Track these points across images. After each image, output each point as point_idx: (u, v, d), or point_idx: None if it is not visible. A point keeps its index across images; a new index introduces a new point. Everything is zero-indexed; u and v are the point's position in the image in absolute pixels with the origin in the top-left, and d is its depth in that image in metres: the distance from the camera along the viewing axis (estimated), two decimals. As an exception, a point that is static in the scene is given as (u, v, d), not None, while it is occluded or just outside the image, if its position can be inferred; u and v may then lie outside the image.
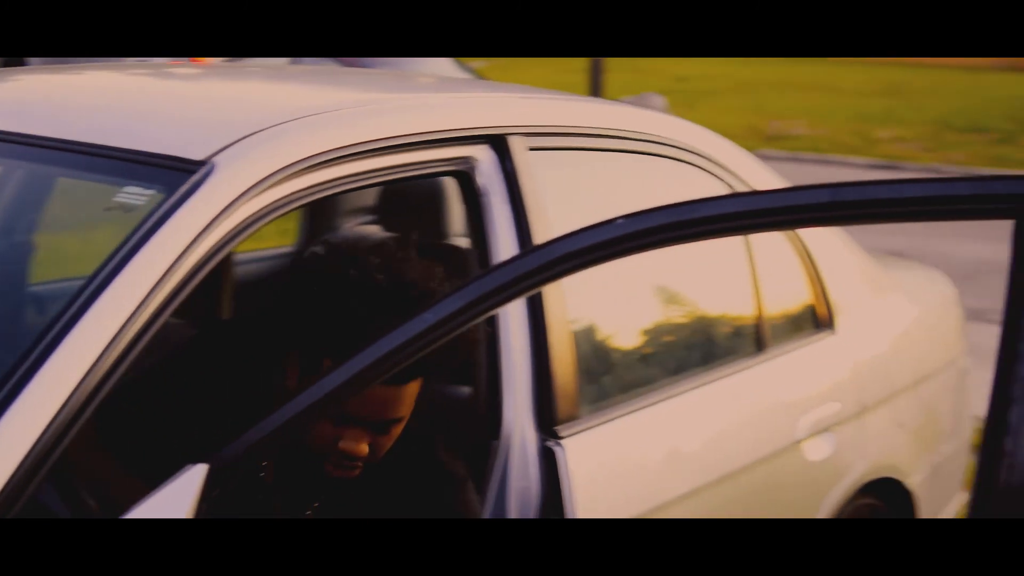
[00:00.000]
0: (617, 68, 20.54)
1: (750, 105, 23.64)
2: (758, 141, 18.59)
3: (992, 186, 1.88)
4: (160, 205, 2.26)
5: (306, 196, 2.43)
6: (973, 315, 7.04)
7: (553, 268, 1.93)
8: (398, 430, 2.46)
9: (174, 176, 2.32)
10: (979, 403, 5.25)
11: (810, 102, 24.53)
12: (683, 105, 20.83)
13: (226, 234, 2.28)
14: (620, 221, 1.93)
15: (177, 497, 1.94)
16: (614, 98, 13.36)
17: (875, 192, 1.88)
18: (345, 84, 3.32)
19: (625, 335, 3.11)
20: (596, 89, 11.60)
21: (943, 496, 4.12)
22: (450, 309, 1.92)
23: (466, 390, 3.01)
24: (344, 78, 3.54)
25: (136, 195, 2.34)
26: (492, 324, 2.73)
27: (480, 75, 18.69)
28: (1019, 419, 1.75)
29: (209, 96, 2.96)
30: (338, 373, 1.92)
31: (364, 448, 2.43)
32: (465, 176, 2.78)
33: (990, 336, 8.27)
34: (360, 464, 2.45)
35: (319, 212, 4.15)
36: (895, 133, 20.73)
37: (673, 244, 1.95)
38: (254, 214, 2.33)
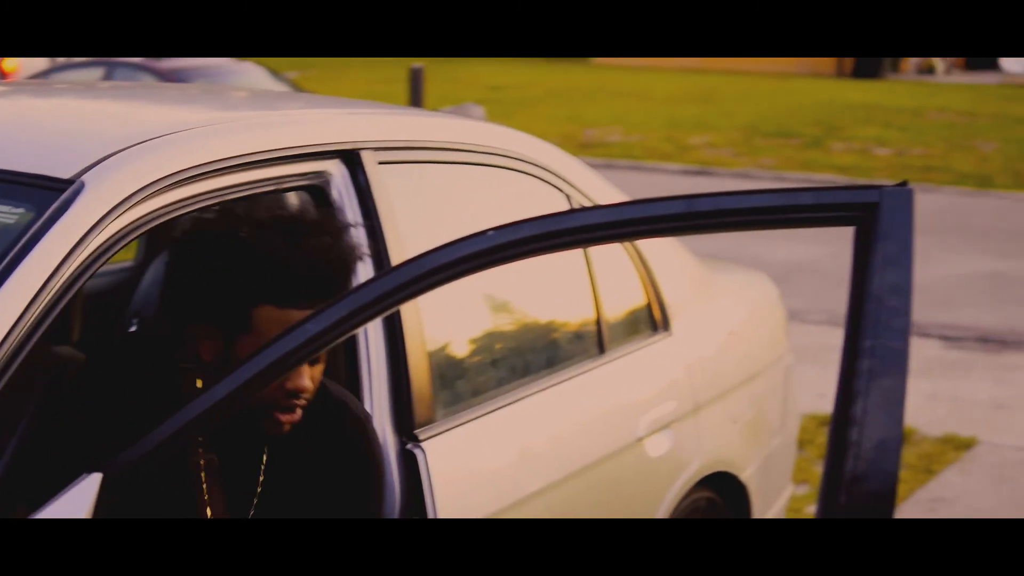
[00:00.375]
0: (432, 78, 20.72)
1: (564, 113, 23.97)
2: (573, 148, 18.87)
3: (834, 195, 2.04)
4: (31, 224, 2.31)
5: (170, 212, 2.50)
6: (789, 316, 7.30)
7: (429, 278, 2.04)
8: (324, 358, 2.55)
9: (43, 195, 2.38)
10: (800, 399, 5.48)
11: (623, 109, 24.95)
12: (499, 114, 21.05)
13: (95, 250, 2.35)
14: (491, 232, 2.04)
15: (72, 506, 2.00)
16: (433, 108, 13.47)
17: (727, 202, 2.02)
18: (199, 101, 3.38)
19: (476, 341, 3.22)
20: (416, 98, 11.71)
21: (774, 488, 4.31)
22: (332, 319, 2.02)
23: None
24: (196, 95, 3.60)
25: (5, 214, 2.39)
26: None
27: (296, 85, 18.68)
28: (862, 412, 1.91)
29: (63, 114, 2.99)
30: (228, 382, 2.01)
31: (309, 382, 2.50)
32: (320, 190, 2.87)
33: (805, 335, 8.59)
34: (303, 403, 2.52)
35: (159, 227, 4.18)
36: (707, 139, 21.20)
37: (541, 254, 2.06)
38: (121, 230, 2.40)
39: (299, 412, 2.53)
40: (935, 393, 8.24)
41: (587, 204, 3.56)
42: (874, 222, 2.01)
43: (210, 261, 2.48)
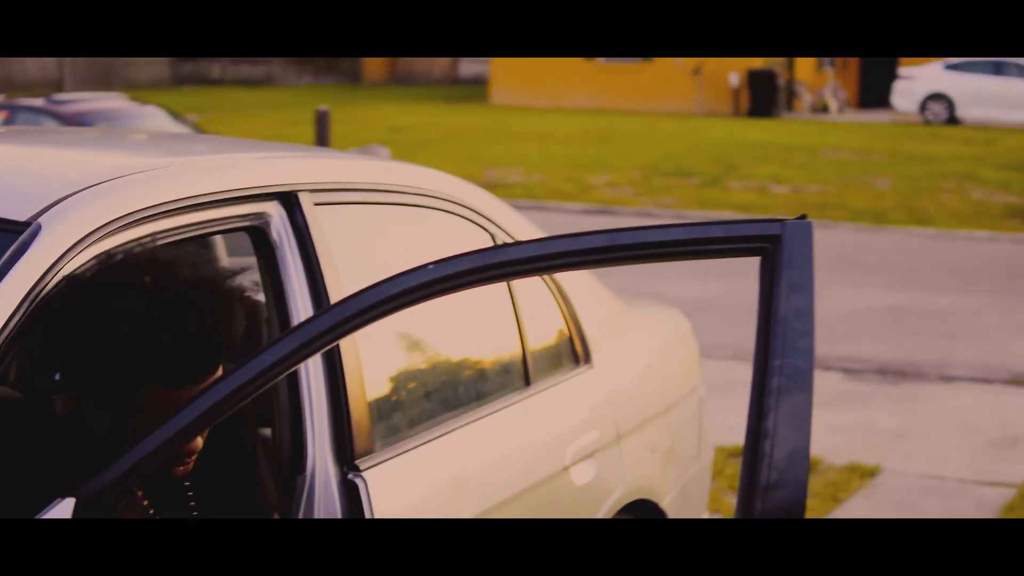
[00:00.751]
0: (332, 119, 20.71)
1: (465, 154, 24.12)
2: (477, 189, 18.98)
3: (741, 228, 2.21)
4: (-10, 265, 2.40)
5: (122, 253, 2.60)
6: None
7: (375, 310, 2.18)
8: None
9: (1, 237, 2.47)
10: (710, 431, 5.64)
11: (524, 150, 25.15)
12: (401, 155, 21.14)
13: (50, 291, 2.44)
14: (431, 266, 2.17)
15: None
16: (339, 149, 13.51)
17: (645, 236, 2.19)
18: (141, 145, 3.48)
19: (411, 376, 3.34)
20: (323, 140, 11.80)
21: (691, 515, 4.45)
22: (286, 350, 2.13)
23: (266, 431, 3.19)
24: (136, 140, 3.69)
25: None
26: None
27: (199, 128, 18.69)
28: (774, 425, 2.07)
29: (12, 159, 3.07)
30: (188, 411, 2.11)
31: (199, 442, 2.56)
32: (260, 231, 2.98)
33: (711, 370, 8.78)
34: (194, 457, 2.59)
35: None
36: (607, 179, 21.45)
37: (478, 285, 2.21)
38: (75, 271, 2.49)
39: (191, 464, 2.60)
40: (839, 424, 8.45)
41: (510, 241, 3.69)
42: (778, 252, 2.20)
43: (95, 341, 2.47)
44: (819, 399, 9.08)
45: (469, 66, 50.18)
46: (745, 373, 9.52)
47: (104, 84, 38.55)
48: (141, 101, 17.43)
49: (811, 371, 2.11)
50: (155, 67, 44.36)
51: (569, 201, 19.18)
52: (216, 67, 46.68)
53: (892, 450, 7.89)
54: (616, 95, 37.75)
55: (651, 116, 34.10)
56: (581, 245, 2.21)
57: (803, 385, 2.10)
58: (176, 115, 17.53)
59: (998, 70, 34.07)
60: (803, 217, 2.23)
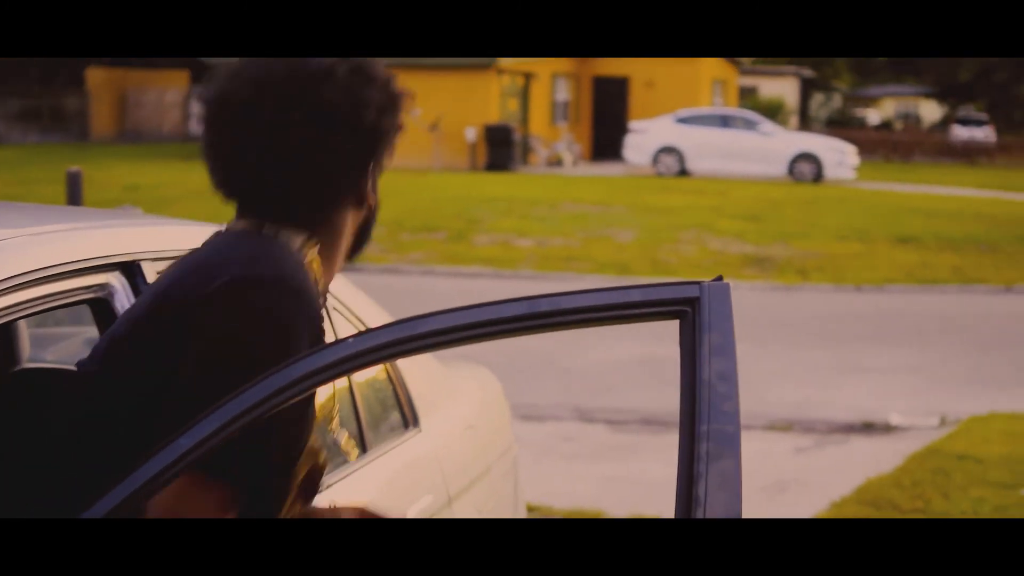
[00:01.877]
0: (63, 180, 20.18)
1: (206, 212, 23.71)
2: (223, 248, 18.72)
3: (660, 291, 2.19)
4: None
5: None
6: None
7: (296, 386, 2.10)
8: None
9: None
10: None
11: (266, 207, 24.92)
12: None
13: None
14: (350, 340, 2.12)
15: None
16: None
17: (564, 302, 2.16)
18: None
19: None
20: (76, 200, 11.51)
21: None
22: (210, 428, 2.06)
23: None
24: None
25: None
26: None
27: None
28: (705, 492, 2.06)
29: None
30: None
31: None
32: (103, 303, 2.90)
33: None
34: None
35: None
36: (353, 235, 21.39)
37: (398, 358, 2.17)
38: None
39: None
40: (613, 475, 8.58)
41: (345, 311, 3.69)
42: (697, 315, 2.16)
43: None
44: (589, 451, 9.22)
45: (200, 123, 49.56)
46: (521, 430, 9.59)
47: None
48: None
49: (739, 435, 2.09)
50: None
51: (317, 258, 19.06)
52: (-64, 125, 45.15)
53: (669, 499, 8.00)
54: (353, 151, 37.75)
55: (390, 171, 34.09)
56: (502, 314, 2.17)
57: (732, 450, 2.08)
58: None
59: (725, 123, 35.30)
60: (719, 278, 2.20)
